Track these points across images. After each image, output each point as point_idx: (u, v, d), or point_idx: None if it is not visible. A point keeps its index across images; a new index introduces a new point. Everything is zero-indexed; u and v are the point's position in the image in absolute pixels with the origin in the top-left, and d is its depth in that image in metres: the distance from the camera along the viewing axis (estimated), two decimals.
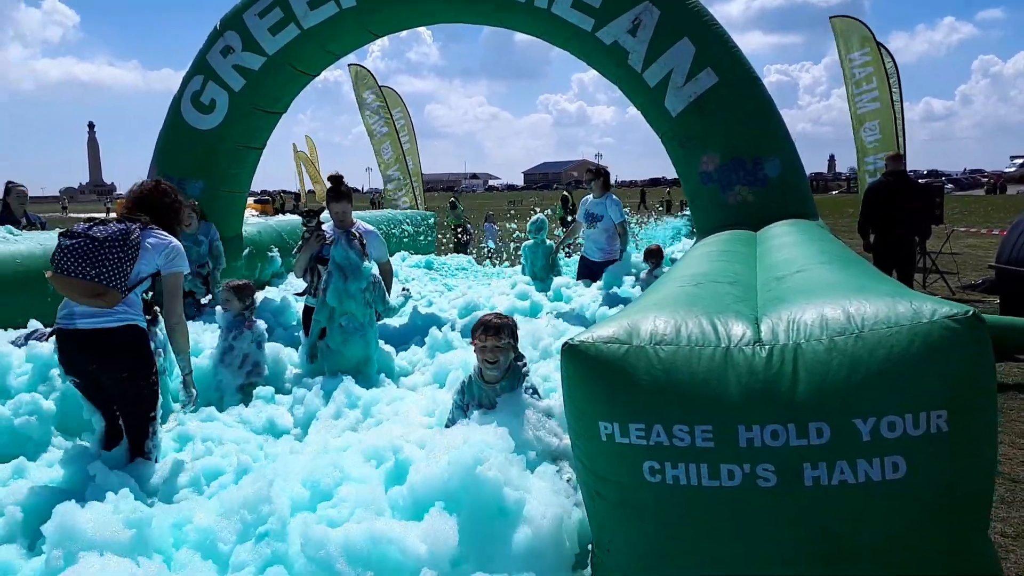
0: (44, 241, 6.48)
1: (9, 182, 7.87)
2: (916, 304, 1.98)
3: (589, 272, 8.21)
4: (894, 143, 13.28)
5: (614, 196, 8.20)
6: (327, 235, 5.19)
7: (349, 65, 19.55)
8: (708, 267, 3.35)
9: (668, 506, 2.02)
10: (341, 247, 5.00)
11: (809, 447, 1.90)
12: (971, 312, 1.89)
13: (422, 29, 8.52)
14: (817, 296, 2.22)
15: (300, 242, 5.31)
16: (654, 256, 8.71)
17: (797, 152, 6.84)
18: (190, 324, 4.16)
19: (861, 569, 1.94)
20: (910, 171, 14.54)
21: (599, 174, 8.28)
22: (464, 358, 4.66)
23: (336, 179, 5.43)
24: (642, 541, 2.10)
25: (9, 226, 6.88)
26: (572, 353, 2.15)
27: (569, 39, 7.22)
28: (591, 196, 8.26)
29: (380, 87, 19.28)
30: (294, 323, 6.66)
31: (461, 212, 20.27)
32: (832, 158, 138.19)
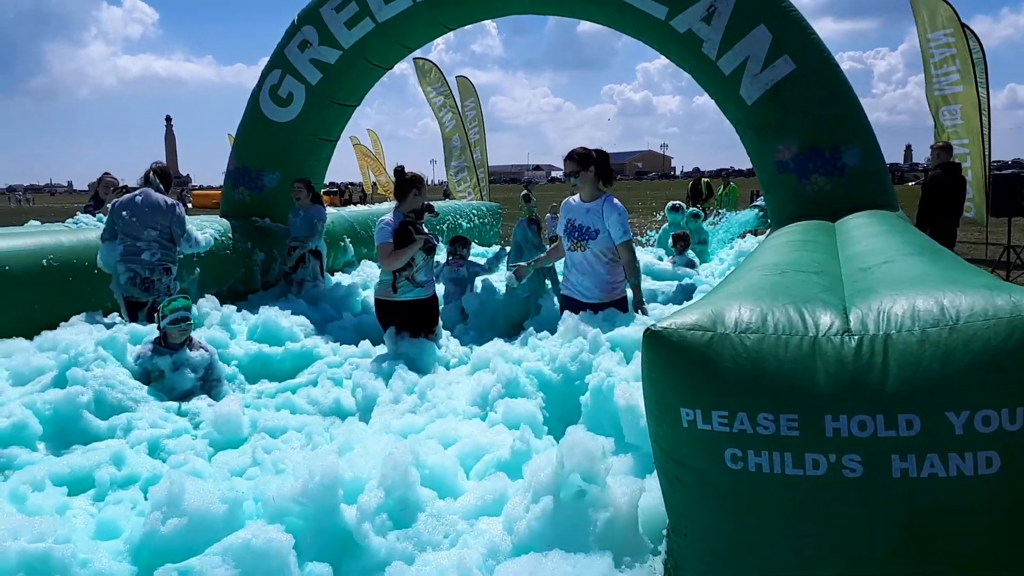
0: None
1: (105, 173, 8.31)
2: (1016, 297, 1.92)
3: None
4: (977, 129, 12.71)
5: (615, 199, 5.17)
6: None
7: (414, 59, 19.70)
8: (790, 256, 3.31)
9: (749, 493, 2.02)
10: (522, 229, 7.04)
11: (898, 439, 1.87)
12: None
13: (487, 21, 8.55)
14: (908, 287, 2.18)
15: (418, 239, 5.33)
16: (681, 241, 9.17)
17: (877, 141, 6.65)
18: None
19: (949, 564, 1.90)
20: (995, 161, 13.99)
21: (589, 160, 5.13)
22: (519, 355, 4.62)
23: (400, 170, 5.57)
24: (721, 528, 2.11)
25: (100, 215, 7.26)
26: (654, 339, 2.16)
27: (642, 28, 7.18)
28: (576, 197, 5.30)
29: (455, 77, 19.49)
30: (359, 311, 6.92)
31: (535, 205, 20.27)
32: (908, 148, 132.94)
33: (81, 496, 3.36)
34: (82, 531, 2.96)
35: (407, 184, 5.44)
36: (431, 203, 5.86)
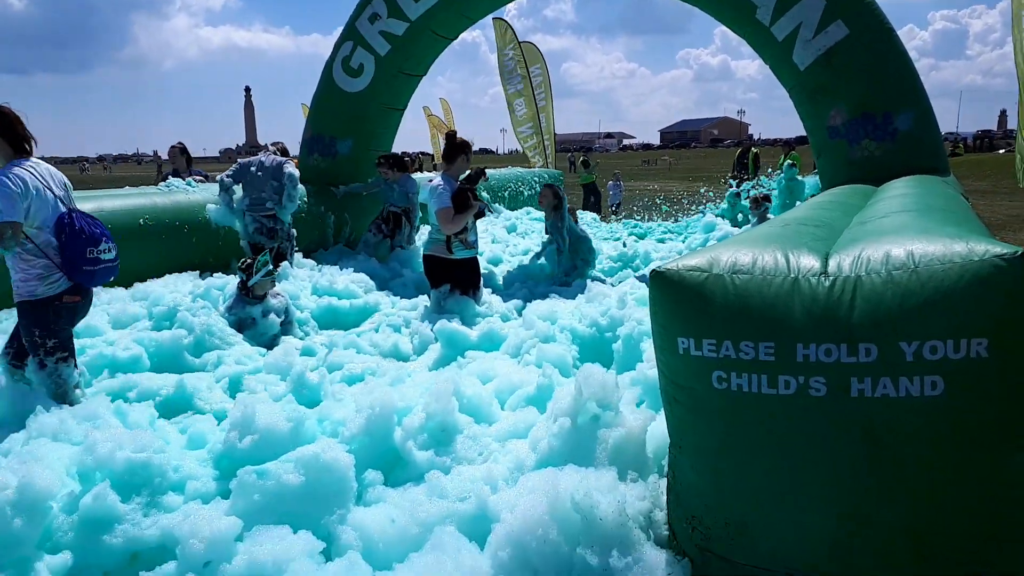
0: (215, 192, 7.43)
1: (173, 147, 9.03)
2: (971, 244, 2.18)
3: None
4: None
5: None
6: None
7: (493, 19, 19.86)
8: (805, 213, 3.57)
9: (732, 410, 2.37)
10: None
11: (858, 364, 2.18)
12: (1020, 252, 2.09)
13: None
14: (887, 237, 2.45)
15: (474, 205, 5.79)
16: (767, 201, 9.39)
17: (931, 106, 6.68)
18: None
19: (902, 473, 2.21)
20: None
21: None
22: (556, 309, 5.13)
23: (452, 135, 6.09)
24: (709, 439, 2.46)
25: (191, 179, 7.92)
26: (659, 278, 2.51)
27: None
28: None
29: (519, 42, 19.59)
30: (421, 270, 7.44)
31: (594, 169, 20.47)
32: (1003, 113, 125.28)
33: (172, 418, 3.96)
34: (174, 443, 3.51)
35: (457, 148, 5.86)
36: (484, 168, 6.28)
